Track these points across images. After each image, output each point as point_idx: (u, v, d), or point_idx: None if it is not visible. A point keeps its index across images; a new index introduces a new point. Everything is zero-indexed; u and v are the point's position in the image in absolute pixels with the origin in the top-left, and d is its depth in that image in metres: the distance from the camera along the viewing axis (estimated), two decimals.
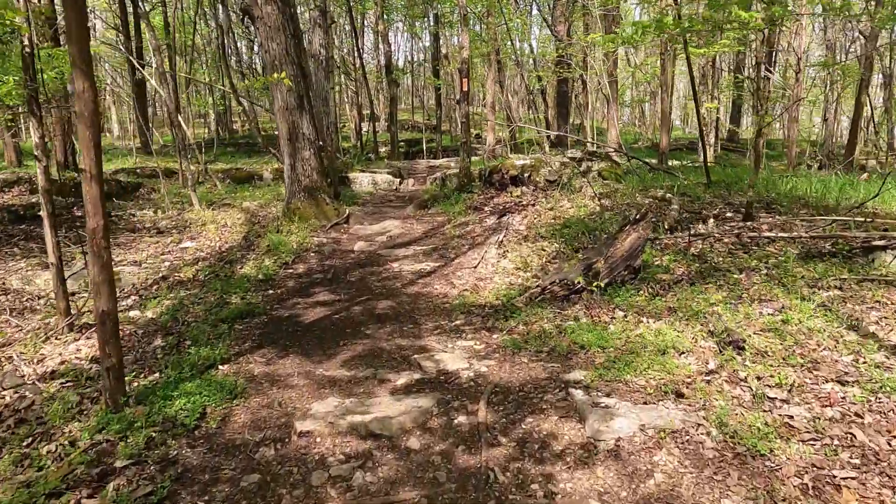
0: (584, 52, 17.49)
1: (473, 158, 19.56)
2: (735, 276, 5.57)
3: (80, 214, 10.43)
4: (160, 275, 7.12)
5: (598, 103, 23.67)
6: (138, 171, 13.48)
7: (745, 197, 8.70)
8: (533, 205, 8.66)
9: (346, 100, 29.87)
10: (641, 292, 5.46)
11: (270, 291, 6.26)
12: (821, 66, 19.33)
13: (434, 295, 5.98)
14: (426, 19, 23.78)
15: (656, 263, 6.13)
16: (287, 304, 5.81)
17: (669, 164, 17.17)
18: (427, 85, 33.89)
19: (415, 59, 36.11)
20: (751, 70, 19.23)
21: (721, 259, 6.09)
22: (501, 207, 8.71)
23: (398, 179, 12.84)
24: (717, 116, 21.81)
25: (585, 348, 4.28)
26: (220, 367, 4.24)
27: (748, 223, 7.16)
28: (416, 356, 4.34)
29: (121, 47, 17.70)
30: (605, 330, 4.64)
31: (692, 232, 6.65)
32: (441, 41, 24.17)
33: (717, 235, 6.43)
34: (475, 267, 6.66)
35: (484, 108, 42.86)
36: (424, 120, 35.67)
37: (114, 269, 7.49)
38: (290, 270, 7.05)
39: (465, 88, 9.93)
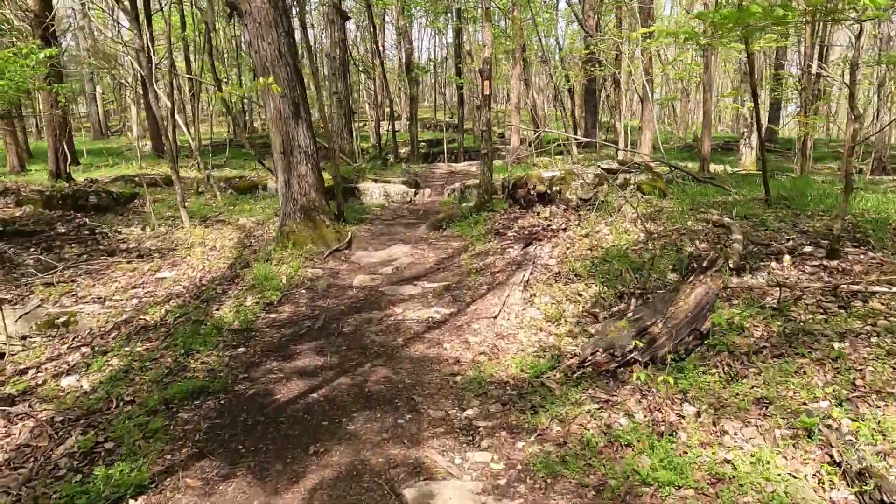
0: (618, 48, 15.91)
1: (496, 162, 18.16)
2: (835, 345, 4.13)
3: (63, 231, 9.33)
4: (123, 317, 5.91)
5: (627, 100, 21.96)
6: (137, 178, 12.37)
7: (816, 221, 7.20)
8: (564, 230, 7.26)
9: (364, 99, 28.61)
10: (714, 369, 4.06)
11: (242, 349, 4.98)
12: (877, 62, 17.44)
13: (443, 360, 4.64)
14: (449, 15, 22.35)
15: (725, 319, 4.70)
16: (257, 373, 4.53)
17: (710, 169, 15.56)
18: (449, 82, 32.51)
19: (437, 56, 34.70)
20: (803, 66, 17.39)
21: (811, 316, 4.64)
22: (527, 233, 7.32)
23: (413, 190, 11.51)
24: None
25: (650, 485, 2.91)
26: (131, 501, 2.97)
27: (834, 262, 5.68)
28: (407, 489, 3.01)
29: (122, 45, 16.65)
30: (673, 441, 3.26)
31: (773, 279, 5.20)
32: (464, 37, 22.73)
33: (807, 288, 4.95)
34: (495, 317, 5.30)
35: (508, 105, 41.41)
36: (446, 117, 34.31)
37: (72, 310, 6.35)
38: (273, 315, 5.78)
39: (487, 92, 8.54)
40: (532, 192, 8.49)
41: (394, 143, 21.83)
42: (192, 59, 23.05)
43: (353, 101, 26.93)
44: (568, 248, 6.68)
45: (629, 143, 15.79)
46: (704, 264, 4.60)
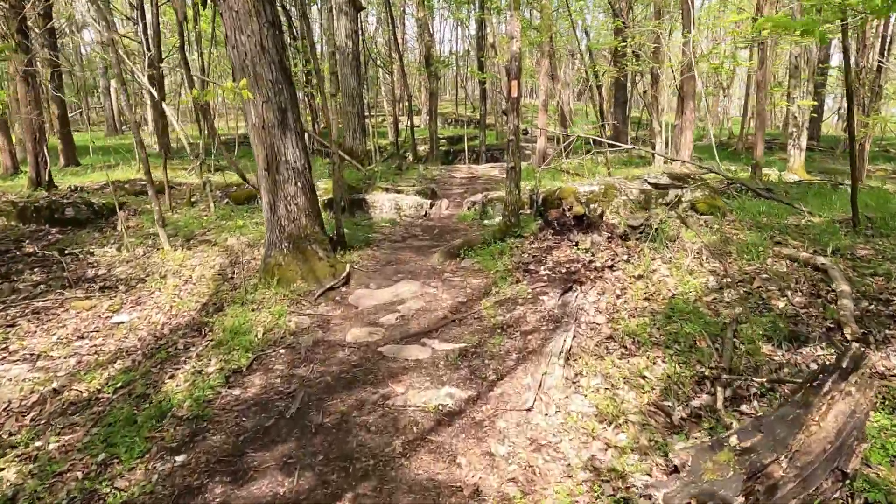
0: (657, 40, 14.16)
1: (523, 164, 16.58)
2: None
3: (30, 251, 8.05)
4: (53, 385, 4.56)
5: (666, 96, 20.08)
6: (128, 185, 11.08)
7: None
8: (611, 267, 5.72)
9: (382, 94, 27.14)
10: None
11: (181, 457, 3.57)
12: None
13: (456, 487, 3.18)
14: (472, 5, 20.68)
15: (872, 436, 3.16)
16: None
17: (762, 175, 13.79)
18: (472, 76, 30.85)
19: (459, 49, 32.99)
20: (863, 60, 15.45)
21: None
22: (565, 271, 5.80)
23: (428, 202, 10.03)
24: (812, 115, 18.02)
25: None
26: None
27: None
28: None
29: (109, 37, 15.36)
30: None
31: None
32: (487, 29, 21.06)
33: None
34: (529, 409, 3.82)
35: (532, 100, 39.59)
36: (468, 112, 32.71)
37: None
38: (237, 392, 4.36)
39: (515, 94, 7.00)
40: (567, 215, 6.95)
41: (412, 141, 20.36)
42: (204, 51, 21.72)
43: (369, 97, 25.47)
44: (619, 297, 5.15)
45: (664, 144, 14.06)
46: (844, 363, 3.05)
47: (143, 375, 4.59)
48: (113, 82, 26.87)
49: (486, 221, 8.84)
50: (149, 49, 12.61)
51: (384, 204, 9.56)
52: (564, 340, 4.45)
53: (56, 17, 15.25)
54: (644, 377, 4.00)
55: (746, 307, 4.67)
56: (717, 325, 4.45)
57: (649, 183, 7.98)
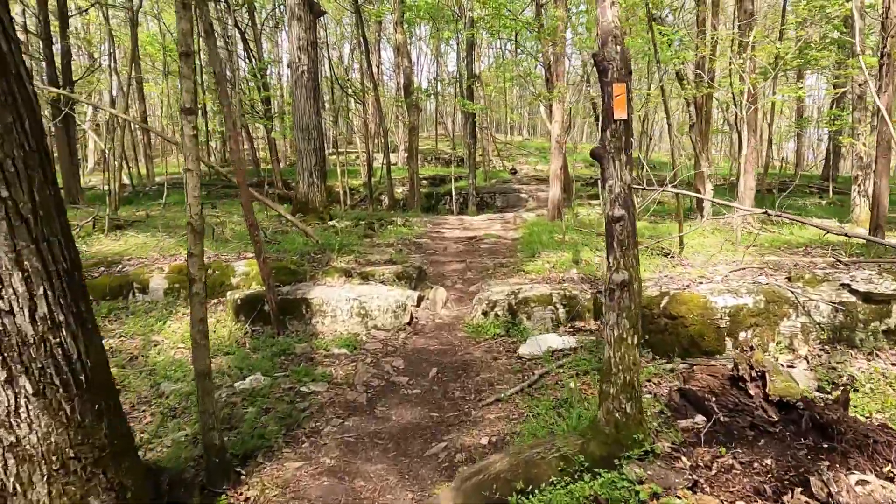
0: (712, 51, 10.38)
1: (527, 215, 12.54)
2: None
3: None
4: None
5: (703, 129, 16.28)
6: None
7: None
8: None
9: (354, 129, 23.07)
10: None
11: None
12: None
13: None
14: (461, 23, 16.77)
15: None
16: None
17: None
18: (453, 110, 27.12)
19: (438, 84, 29.26)
20: None
21: None
22: None
23: (415, 294, 5.79)
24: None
25: None
26: None
27: None
28: None
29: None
30: None
31: None
32: (474, 52, 17.26)
33: None
34: None
35: (515, 135, 36.04)
36: (448, 148, 28.77)
37: None
38: None
39: (623, 112, 2.89)
40: (751, 393, 2.79)
41: (388, 183, 16.23)
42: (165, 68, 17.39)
43: (338, 132, 21.38)
44: None
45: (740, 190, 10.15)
46: None
47: None
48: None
49: (523, 349, 4.61)
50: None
51: (340, 305, 5.31)
52: None
53: None
54: None
55: None
56: None
57: (853, 290, 3.94)
